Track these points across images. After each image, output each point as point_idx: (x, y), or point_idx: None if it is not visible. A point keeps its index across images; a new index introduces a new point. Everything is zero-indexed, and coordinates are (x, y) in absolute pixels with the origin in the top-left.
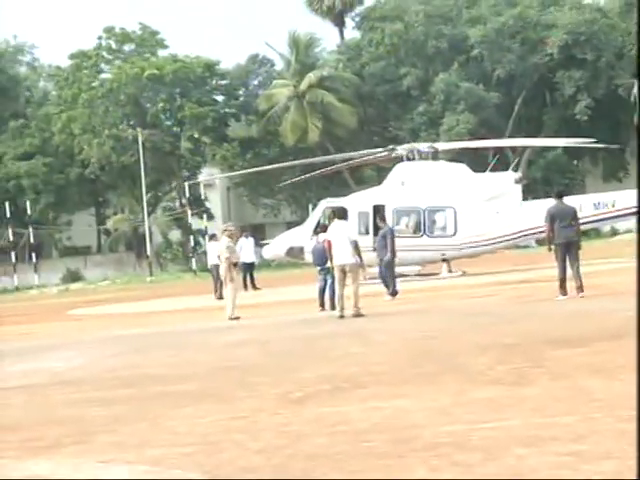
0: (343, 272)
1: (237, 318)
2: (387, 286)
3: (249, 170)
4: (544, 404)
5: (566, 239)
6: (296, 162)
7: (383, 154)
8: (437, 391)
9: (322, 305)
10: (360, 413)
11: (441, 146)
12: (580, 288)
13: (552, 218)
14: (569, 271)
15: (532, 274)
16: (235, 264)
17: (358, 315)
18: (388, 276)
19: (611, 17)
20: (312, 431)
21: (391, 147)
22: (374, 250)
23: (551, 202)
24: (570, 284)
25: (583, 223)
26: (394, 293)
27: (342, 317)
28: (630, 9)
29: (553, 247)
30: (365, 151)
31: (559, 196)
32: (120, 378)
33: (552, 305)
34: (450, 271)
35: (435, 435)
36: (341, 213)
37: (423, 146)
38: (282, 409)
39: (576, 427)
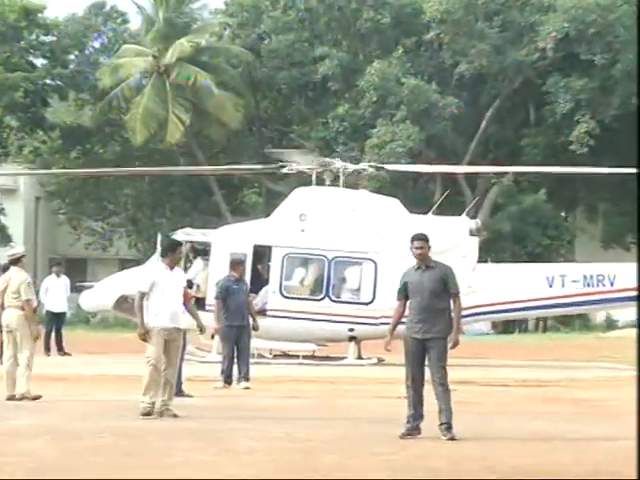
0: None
1: (35, 397)
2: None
3: (77, 170)
4: None
5: None
6: (147, 169)
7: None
8: None
9: None
10: None
11: (379, 166)
12: None
13: None
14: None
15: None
16: (35, 311)
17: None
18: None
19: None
20: None
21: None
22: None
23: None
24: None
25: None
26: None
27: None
28: None
29: None
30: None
31: None
32: None
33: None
34: (360, 357)
35: None
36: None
37: (345, 163)
38: None
39: None
